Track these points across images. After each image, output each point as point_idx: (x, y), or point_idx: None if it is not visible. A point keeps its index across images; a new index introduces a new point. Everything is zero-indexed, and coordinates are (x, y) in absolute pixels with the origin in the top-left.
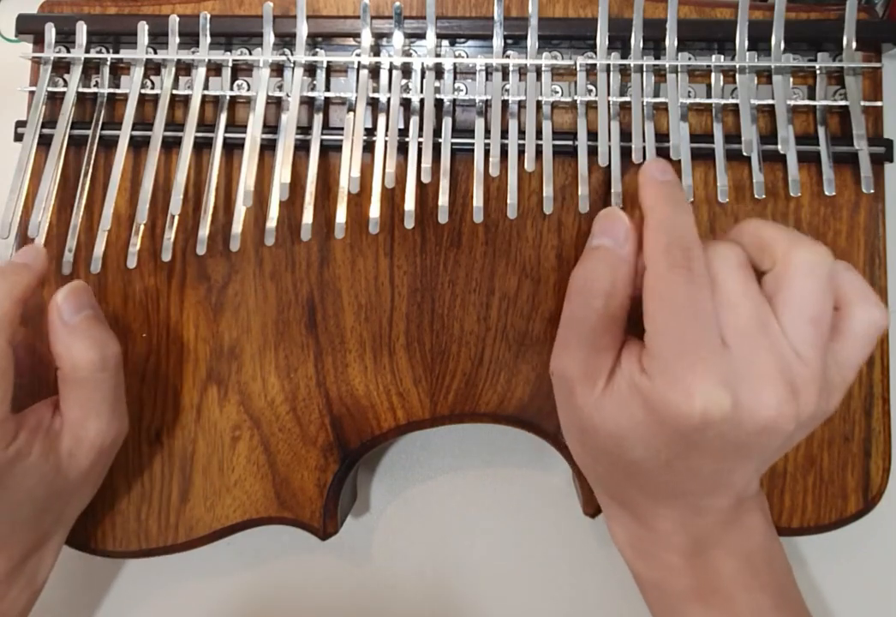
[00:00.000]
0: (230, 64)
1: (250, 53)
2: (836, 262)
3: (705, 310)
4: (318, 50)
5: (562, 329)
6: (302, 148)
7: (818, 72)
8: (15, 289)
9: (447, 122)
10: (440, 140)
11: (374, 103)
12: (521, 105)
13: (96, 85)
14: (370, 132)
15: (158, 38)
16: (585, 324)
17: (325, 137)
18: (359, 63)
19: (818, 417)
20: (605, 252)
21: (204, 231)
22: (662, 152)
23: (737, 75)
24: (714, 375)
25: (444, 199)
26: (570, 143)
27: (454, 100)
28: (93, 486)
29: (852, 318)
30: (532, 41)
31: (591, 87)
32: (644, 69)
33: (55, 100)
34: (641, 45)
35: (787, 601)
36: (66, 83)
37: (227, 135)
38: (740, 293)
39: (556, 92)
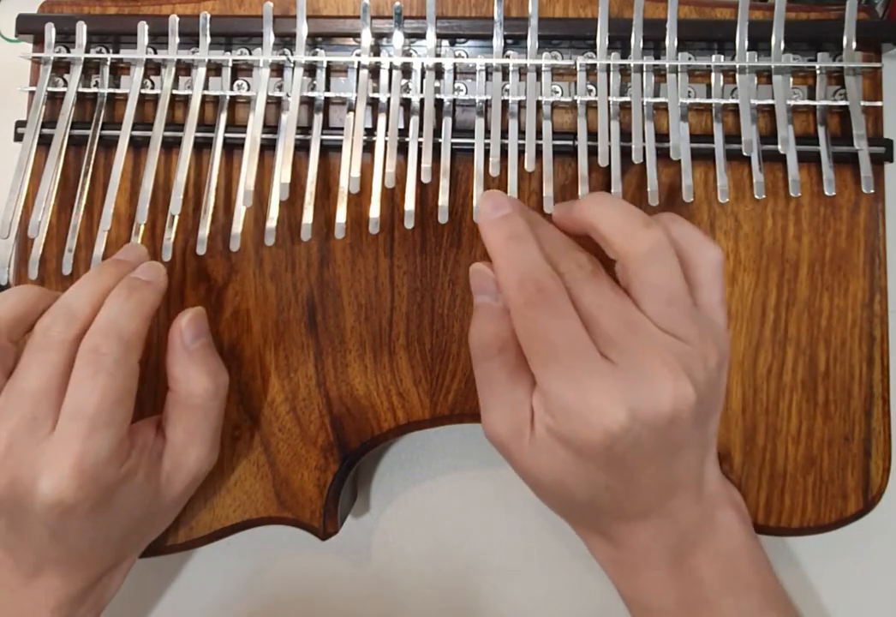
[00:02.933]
0: (230, 64)
1: (250, 53)
2: (662, 221)
3: (573, 333)
4: (318, 50)
5: (480, 394)
6: (302, 148)
7: (818, 72)
8: (143, 307)
9: (447, 122)
10: (440, 140)
11: (374, 103)
12: (521, 105)
13: (96, 85)
14: (370, 132)
15: (158, 38)
16: (494, 384)
17: (325, 137)
18: (359, 63)
19: (719, 374)
20: (485, 308)
21: (204, 231)
22: (662, 152)
23: (737, 75)
24: (603, 394)
25: (444, 199)
26: (570, 143)
27: (454, 100)
28: (175, 512)
29: (696, 267)
30: (532, 41)
31: (591, 87)
32: (644, 69)
33: (55, 100)
34: (641, 45)
35: (771, 599)
36: (66, 83)
37: (227, 135)
38: (597, 306)
39: (556, 92)
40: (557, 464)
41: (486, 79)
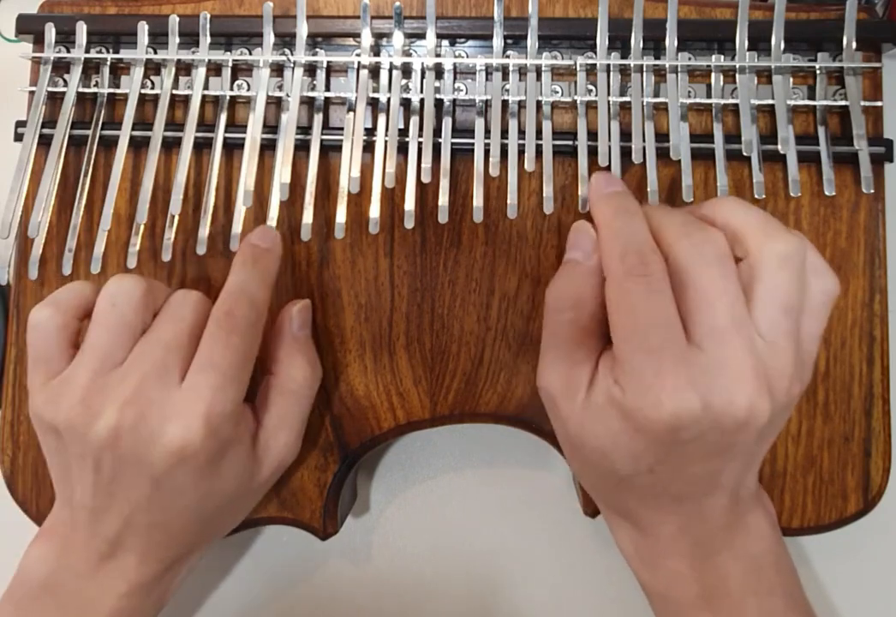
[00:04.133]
0: (230, 64)
1: (250, 53)
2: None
3: (667, 314)
4: (318, 50)
5: (542, 345)
6: (302, 148)
7: (818, 72)
8: (267, 274)
9: (447, 122)
10: (440, 140)
11: (374, 103)
12: (521, 105)
13: (96, 85)
14: (370, 132)
15: (158, 38)
16: (560, 338)
17: (325, 137)
18: (359, 63)
19: (795, 400)
20: (574, 266)
21: (204, 231)
22: (662, 152)
23: (737, 75)
24: (682, 378)
25: (444, 199)
26: (570, 143)
27: (454, 100)
28: (253, 503)
29: (811, 293)
30: (532, 41)
31: (591, 87)
32: (644, 69)
33: (55, 100)
34: (641, 45)
35: (794, 604)
36: (66, 83)
37: (227, 135)
38: (716, 292)
39: (556, 92)
40: (608, 432)
41: (486, 79)
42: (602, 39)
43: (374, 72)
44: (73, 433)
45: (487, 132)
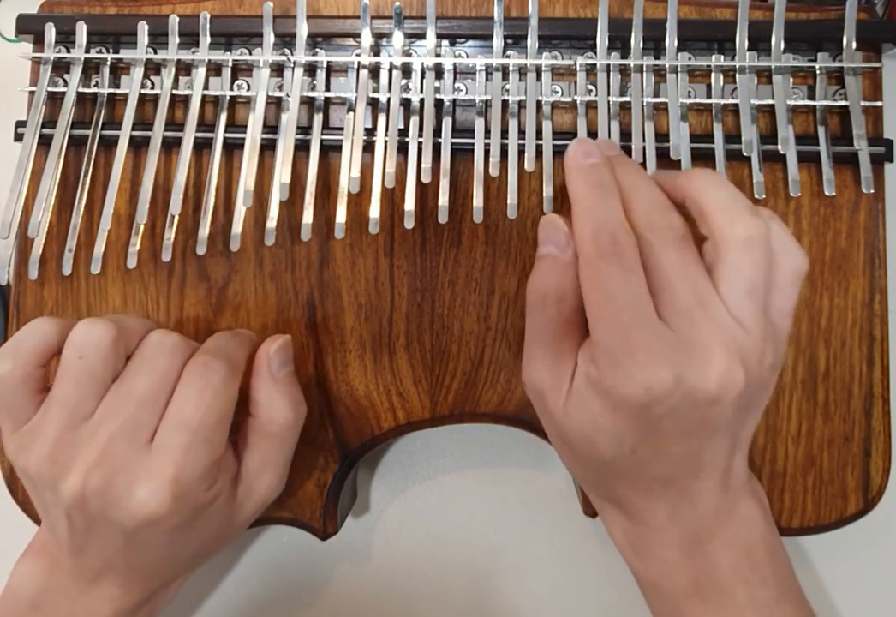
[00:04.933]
0: (230, 64)
1: (250, 53)
2: (762, 215)
3: (637, 293)
4: (318, 50)
5: (526, 341)
6: (302, 148)
7: (818, 72)
8: (248, 341)
9: (447, 122)
10: (440, 140)
11: (374, 103)
12: (521, 105)
13: (96, 85)
14: (370, 132)
15: (158, 38)
16: (544, 332)
17: (325, 137)
18: (359, 63)
19: (770, 377)
20: (549, 259)
21: (204, 231)
22: (662, 152)
23: (737, 75)
24: (653, 354)
25: (444, 199)
26: (570, 142)
27: (454, 100)
28: (237, 536)
29: (780, 270)
30: (532, 41)
31: (591, 87)
32: (644, 69)
33: (55, 100)
34: (641, 45)
35: (787, 594)
36: (66, 83)
37: (227, 135)
38: (677, 272)
39: (556, 92)
40: (589, 417)
41: (486, 79)
42: (602, 39)
43: (374, 72)
44: (44, 486)
45: (487, 132)
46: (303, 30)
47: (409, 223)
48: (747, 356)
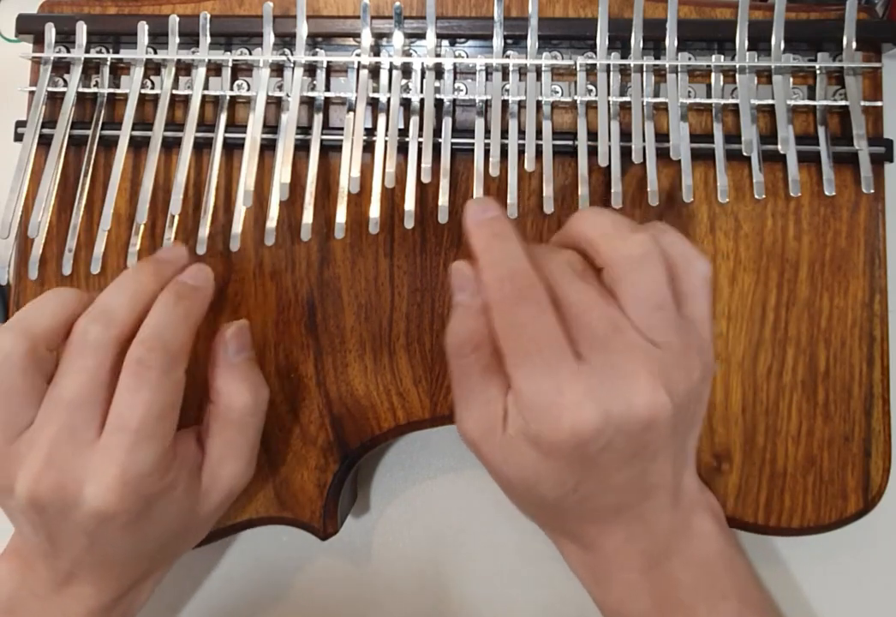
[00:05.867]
0: (230, 64)
1: (250, 53)
2: (652, 229)
3: (550, 334)
4: (318, 50)
5: (453, 393)
6: (302, 148)
7: (818, 72)
8: (190, 316)
9: (447, 122)
10: (440, 140)
11: (374, 103)
12: (521, 105)
13: (96, 85)
14: (370, 132)
15: (158, 38)
16: (467, 382)
17: (325, 137)
18: (359, 63)
19: (702, 386)
20: (462, 308)
21: (204, 231)
22: (662, 152)
23: (737, 75)
24: (575, 394)
25: (444, 199)
26: (570, 143)
27: (454, 100)
28: (208, 527)
29: (685, 280)
30: (532, 41)
31: (591, 87)
32: (644, 69)
33: (55, 100)
34: (641, 45)
35: (750, 605)
36: (66, 83)
37: (227, 135)
38: (586, 304)
39: (556, 92)
40: (526, 463)
41: (486, 79)
42: (602, 39)
43: (374, 72)
44: (1, 493)
45: (487, 132)
46: (303, 30)
47: (409, 223)
48: (670, 374)
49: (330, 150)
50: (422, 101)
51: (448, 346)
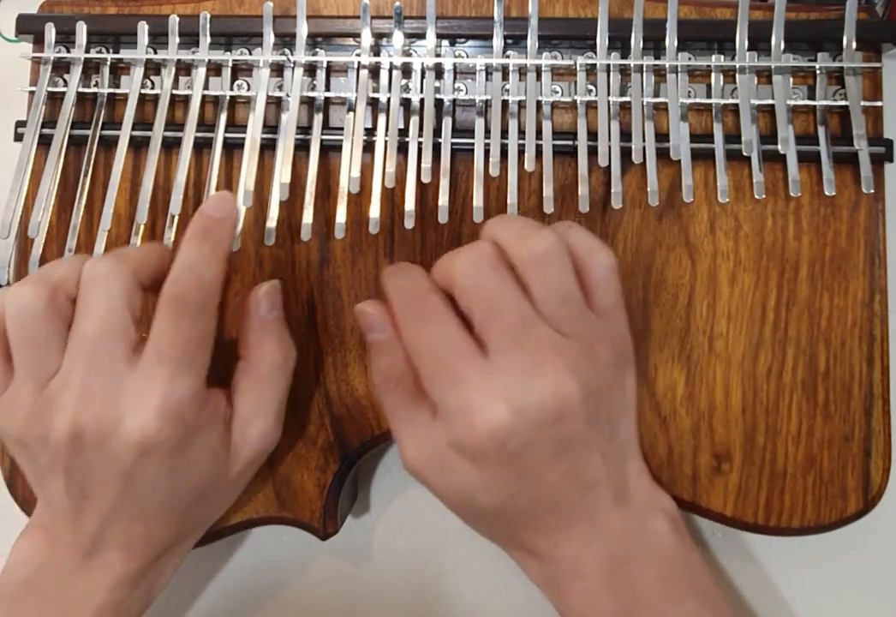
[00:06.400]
0: (230, 64)
1: (250, 53)
2: (558, 228)
3: (454, 342)
4: (318, 50)
5: (391, 427)
6: (302, 148)
7: (818, 72)
8: (219, 249)
9: (447, 122)
10: (440, 140)
11: (374, 103)
12: (521, 105)
13: (96, 85)
14: (370, 132)
15: (158, 38)
16: (397, 413)
17: (325, 137)
18: (359, 63)
19: (613, 373)
20: (376, 345)
21: None
22: (662, 152)
23: (737, 75)
24: (483, 395)
25: (444, 199)
26: (570, 143)
27: (454, 100)
28: (235, 494)
29: (589, 271)
30: (532, 41)
31: (591, 87)
32: (644, 69)
33: (55, 100)
34: (641, 45)
35: (708, 602)
36: (66, 83)
37: (227, 135)
38: (497, 298)
39: (556, 92)
40: (461, 475)
41: (486, 79)
42: (602, 39)
43: (374, 72)
44: (35, 445)
45: (487, 132)
46: (303, 30)
47: (409, 223)
48: (577, 363)
49: (330, 150)
50: (422, 101)
51: (375, 385)
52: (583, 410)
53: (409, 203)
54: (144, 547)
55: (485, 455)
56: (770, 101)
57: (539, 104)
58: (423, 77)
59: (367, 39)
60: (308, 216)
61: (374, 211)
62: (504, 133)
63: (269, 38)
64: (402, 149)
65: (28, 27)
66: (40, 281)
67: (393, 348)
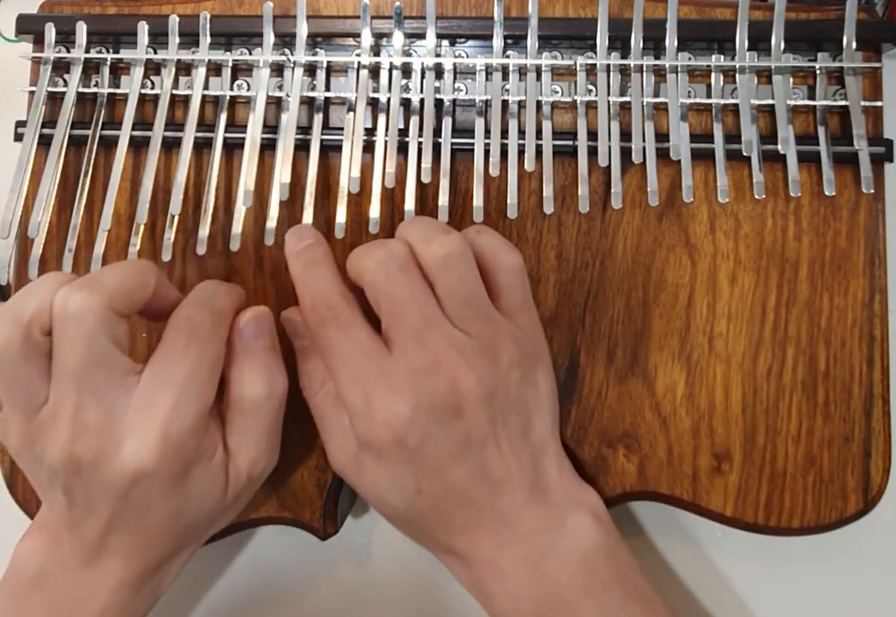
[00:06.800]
0: (230, 64)
1: (250, 53)
2: (468, 231)
3: (358, 343)
4: (318, 50)
5: (319, 430)
6: (302, 148)
7: (818, 72)
8: (235, 289)
9: (447, 122)
10: (440, 140)
11: (374, 103)
12: (521, 105)
13: (96, 85)
14: (370, 132)
15: (158, 38)
16: (321, 416)
17: (325, 137)
18: (359, 63)
19: (516, 372)
20: (300, 350)
21: (204, 231)
22: (662, 152)
23: (737, 75)
24: (383, 393)
25: (444, 199)
26: (570, 143)
27: (454, 100)
28: (234, 512)
29: (496, 273)
30: (532, 41)
31: (591, 87)
32: (644, 69)
33: (55, 100)
34: (641, 45)
35: (634, 596)
36: (66, 83)
37: (227, 135)
38: (403, 299)
39: (556, 92)
40: (371, 477)
41: (486, 79)
42: (602, 39)
43: (374, 72)
44: (32, 465)
45: (487, 132)
46: (303, 30)
47: None
48: (477, 361)
49: (330, 150)
50: (422, 101)
51: (301, 386)
52: (485, 406)
53: (409, 203)
54: (145, 556)
55: (387, 451)
56: (770, 101)
57: (539, 104)
58: (423, 77)
59: (367, 39)
60: (308, 216)
61: (374, 211)
62: (504, 133)
63: (269, 38)
64: (402, 149)
65: (28, 27)
66: (12, 319)
67: (315, 354)
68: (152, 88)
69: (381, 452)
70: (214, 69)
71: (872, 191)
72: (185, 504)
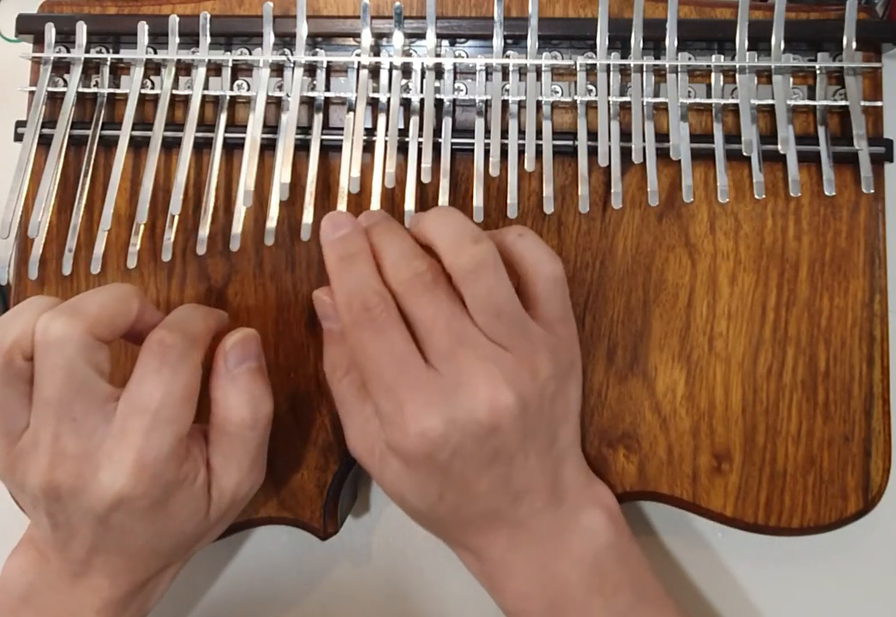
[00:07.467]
0: (230, 64)
1: (250, 53)
2: (510, 234)
3: (396, 350)
4: (318, 50)
5: (340, 414)
6: (302, 148)
7: (818, 72)
8: (212, 313)
9: (447, 122)
10: (440, 140)
11: (374, 103)
12: (521, 105)
13: (96, 85)
14: (370, 132)
15: (158, 38)
16: (347, 402)
17: (325, 137)
18: (359, 63)
19: (553, 385)
20: (328, 334)
21: (204, 231)
22: (662, 152)
23: (737, 75)
24: (419, 405)
25: (444, 199)
26: (570, 143)
27: (454, 100)
28: (220, 529)
29: (534, 282)
30: (532, 41)
31: (591, 87)
32: (644, 69)
33: (55, 100)
34: (641, 45)
35: (645, 596)
36: (66, 83)
37: (227, 135)
38: (431, 317)
39: (556, 92)
40: (394, 476)
41: (486, 79)
42: (602, 39)
43: (374, 72)
44: (16, 488)
45: (487, 132)
46: (303, 30)
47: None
48: (514, 376)
49: (330, 150)
50: (422, 101)
51: (325, 370)
52: (519, 422)
53: (409, 203)
54: (130, 575)
55: (416, 460)
56: (770, 101)
57: (539, 104)
58: (423, 77)
59: (367, 39)
60: (308, 216)
61: None
62: (504, 133)
63: (269, 38)
64: (402, 149)
65: (28, 27)
66: None
67: (343, 340)
68: (152, 88)
69: (409, 461)
70: (214, 69)
71: (872, 191)
72: (167, 526)
